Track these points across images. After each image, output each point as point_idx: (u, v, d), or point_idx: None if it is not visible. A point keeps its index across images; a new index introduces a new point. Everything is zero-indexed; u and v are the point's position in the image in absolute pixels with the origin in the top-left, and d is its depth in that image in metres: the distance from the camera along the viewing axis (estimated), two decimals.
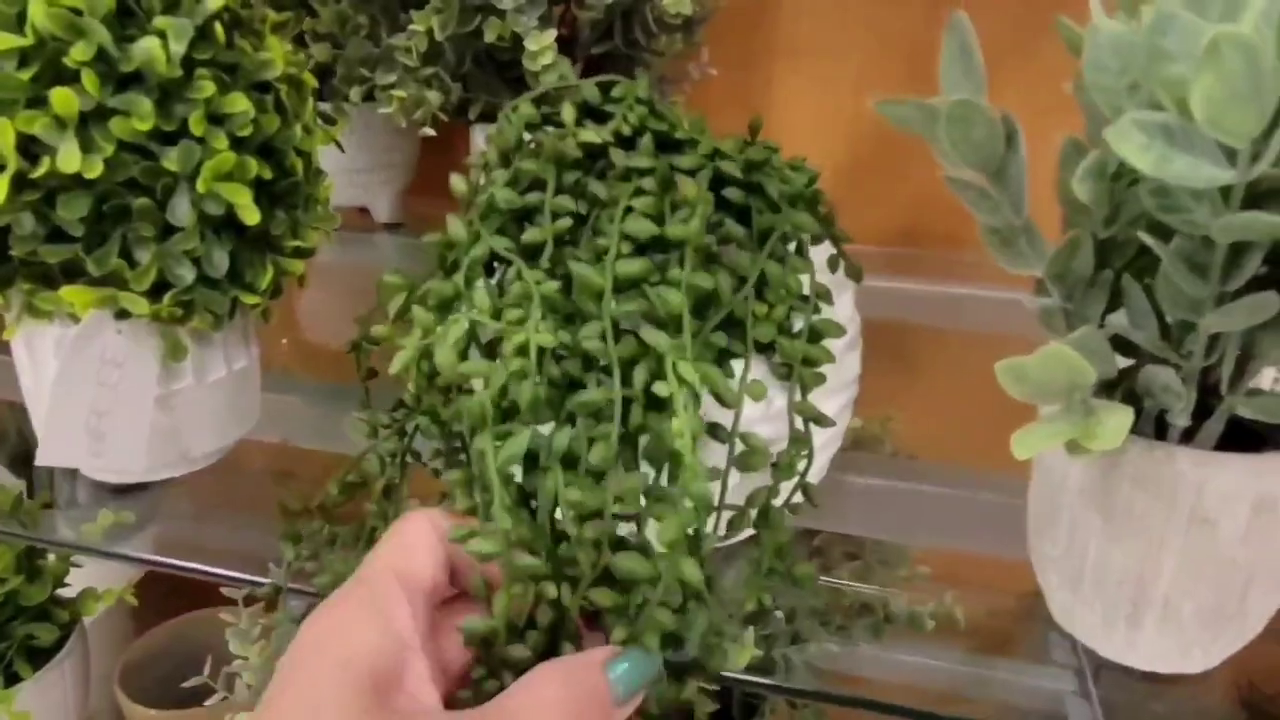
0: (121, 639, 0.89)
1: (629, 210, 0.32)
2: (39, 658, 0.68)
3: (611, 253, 0.31)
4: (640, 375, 0.30)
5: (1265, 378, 0.32)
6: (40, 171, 0.36)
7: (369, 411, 0.42)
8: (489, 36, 0.61)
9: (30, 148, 0.36)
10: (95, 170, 0.36)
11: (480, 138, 0.70)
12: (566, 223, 0.35)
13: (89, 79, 0.35)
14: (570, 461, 0.29)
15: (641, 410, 0.30)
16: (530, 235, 0.35)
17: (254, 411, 0.48)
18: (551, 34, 0.61)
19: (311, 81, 0.44)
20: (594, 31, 0.67)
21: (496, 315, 0.32)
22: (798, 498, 0.37)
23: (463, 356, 0.32)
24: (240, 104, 0.39)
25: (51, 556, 0.70)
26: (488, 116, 0.69)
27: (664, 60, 0.69)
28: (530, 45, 0.61)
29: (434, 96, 0.65)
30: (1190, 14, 0.26)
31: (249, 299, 0.42)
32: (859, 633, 0.45)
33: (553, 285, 0.32)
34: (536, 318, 0.31)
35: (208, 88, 0.38)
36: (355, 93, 0.68)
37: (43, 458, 0.40)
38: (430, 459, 0.39)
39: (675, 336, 0.30)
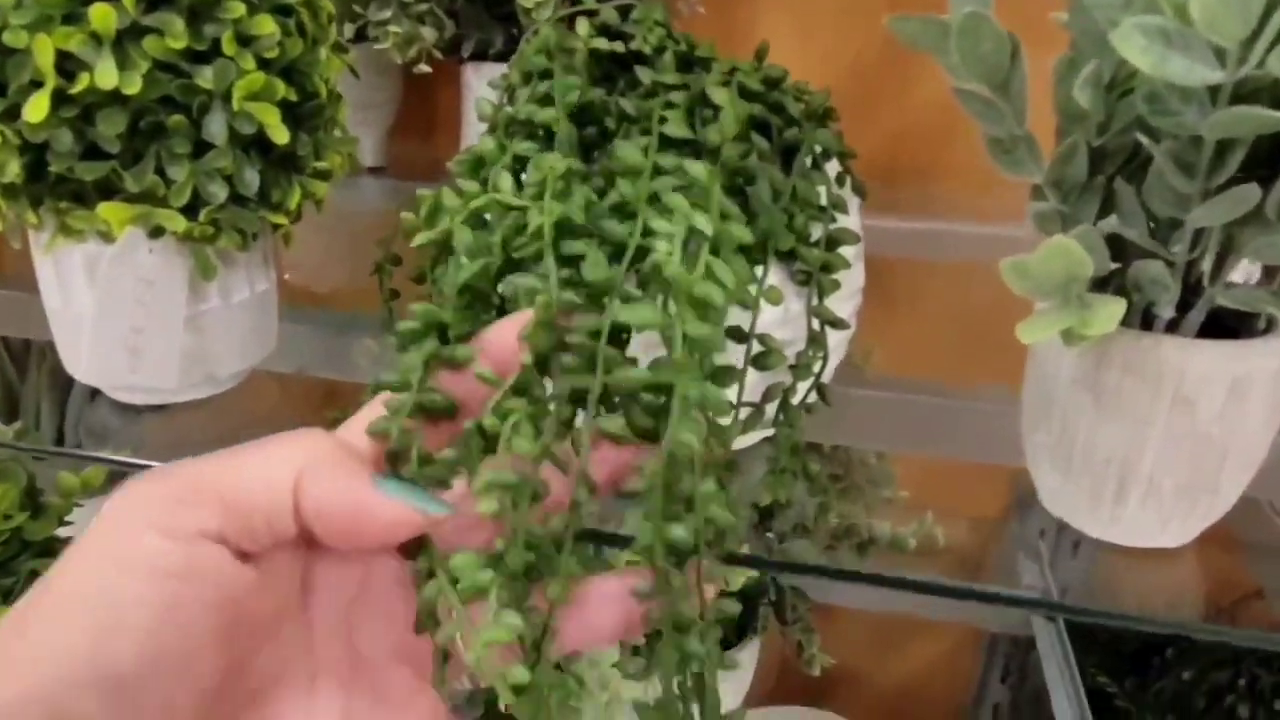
0: None
1: (663, 120, 0.34)
2: None
3: (653, 145, 0.31)
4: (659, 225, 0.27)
5: (1240, 274, 0.36)
6: (79, 88, 0.36)
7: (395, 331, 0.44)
8: None
9: (66, 65, 0.37)
10: (133, 86, 0.37)
11: (473, 76, 0.70)
12: (577, 96, 0.35)
13: None
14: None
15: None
16: (545, 115, 0.35)
17: (273, 335, 0.50)
18: None
19: (329, 7, 0.45)
20: None
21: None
22: (812, 398, 0.40)
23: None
24: (268, 26, 0.40)
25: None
26: (480, 54, 0.70)
27: None
28: None
29: (428, 33, 0.66)
30: None
31: (276, 219, 0.43)
32: (844, 553, 0.48)
33: (567, 161, 0.30)
34: (549, 189, 0.29)
35: (237, 9, 0.39)
36: (348, 30, 0.69)
37: (85, 376, 0.40)
38: None
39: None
